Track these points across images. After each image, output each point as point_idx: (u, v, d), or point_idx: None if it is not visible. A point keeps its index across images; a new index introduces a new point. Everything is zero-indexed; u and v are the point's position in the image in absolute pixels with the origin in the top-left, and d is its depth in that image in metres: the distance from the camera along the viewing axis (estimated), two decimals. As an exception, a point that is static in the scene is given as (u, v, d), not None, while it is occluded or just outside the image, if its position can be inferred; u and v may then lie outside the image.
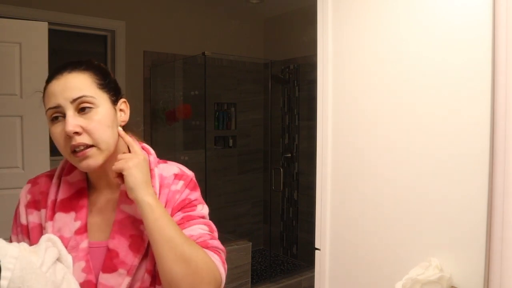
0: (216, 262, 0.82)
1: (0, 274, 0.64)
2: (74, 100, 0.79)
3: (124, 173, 0.79)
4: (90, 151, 0.80)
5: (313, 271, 1.39)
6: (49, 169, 0.96)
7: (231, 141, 3.91)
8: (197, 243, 0.83)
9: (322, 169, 1.35)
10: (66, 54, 3.11)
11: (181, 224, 0.85)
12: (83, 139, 0.79)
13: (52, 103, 0.80)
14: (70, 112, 0.79)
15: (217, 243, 0.87)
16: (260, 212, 4.14)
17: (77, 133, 0.78)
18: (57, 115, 0.80)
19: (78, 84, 0.80)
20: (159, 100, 3.45)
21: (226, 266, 0.86)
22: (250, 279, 2.96)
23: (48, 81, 0.83)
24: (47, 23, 2.43)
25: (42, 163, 2.34)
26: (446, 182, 1.01)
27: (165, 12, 3.44)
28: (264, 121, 4.08)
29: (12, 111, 2.33)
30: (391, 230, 1.14)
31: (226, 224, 3.80)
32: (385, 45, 1.16)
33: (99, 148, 0.81)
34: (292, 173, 3.80)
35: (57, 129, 0.81)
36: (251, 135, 4.04)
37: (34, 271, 0.69)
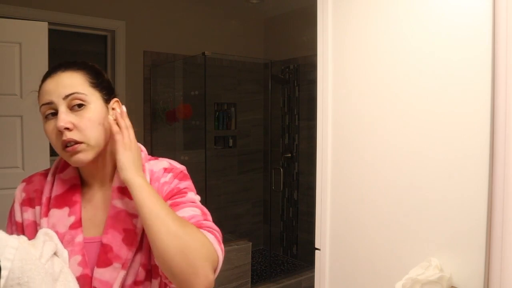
0: (211, 240, 0.80)
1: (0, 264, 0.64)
2: (66, 97, 0.82)
3: (118, 151, 0.83)
4: (80, 146, 0.82)
5: (313, 271, 1.39)
6: (49, 169, 0.97)
7: (231, 141, 3.91)
8: None
9: (322, 169, 1.35)
10: (66, 54, 3.11)
11: (172, 207, 0.85)
12: (73, 135, 0.81)
13: (45, 100, 0.83)
14: (63, 108, 0.82)
15: (210, 223, 0.86)
16: (260, 212, 4.14)
17: (67, 128, 0.81)
18: (50, 111, 0.83)
19: (71, 81, 0.83)
20: (159, 100, 3.45)
21: (222, 246, 0.83)
22: (250, 279, 2.96)
23: (43, 80, 0.85)
24: (47, 23, 2.43)
25: (42, 163, 2.34)
26: (446, 182, 1.01)
27: (165, 12, 3.44)
28: (264, 121, 4.08)
29: (12, 111, 2.33)
30: (391, 230, 1.14)
31: (226, 224, 3.80)
32: (385, 45, 1.16)
33: (88, 145, 0.83)
34: (292, 173, 3.80)
35: (50, 126, 0.83)
36: (251, 135, 4.04)
37: (33, 262, 0.70)
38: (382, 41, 1.16)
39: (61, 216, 0.85)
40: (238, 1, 3.57)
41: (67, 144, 0.81)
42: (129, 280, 0.83)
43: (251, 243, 3.00)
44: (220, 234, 0.85)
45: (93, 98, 0.85)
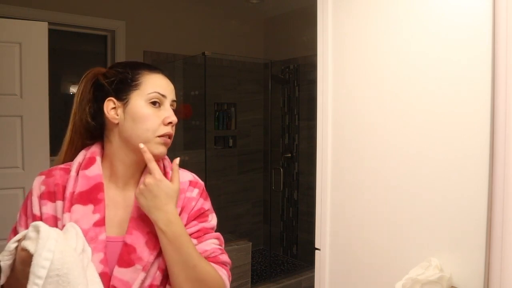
0: (223, 277, 0.89)
1: (42, 255, 0.66)
2: (173, 101, 0.94)
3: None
4: (170, 141, 0.93)
5: (313, 271, 1.39)
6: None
7: (231, 141, 3.91)
8: (209, 258, 0.90)
9: (322, 169, 1.35)
10: (66, 54, 3.11)
11: (199, 237, 0.92)
12: (173, 130, 0.92)
13: (161, 90, 0.91)
14: (171, 107, 0.93)
15: (225, 257, 0.94)
16: (260, 212, 4.14)
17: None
18: (157, 100, 0.90)
19: (173, 89, 0.96)
20: (159, 100, 3.45)
21: (230, 278, 0.93)
22: (250, 279, 2.96)
23: (148, 69, 0.93)
24: (47, 23, 2.43)
25: (42, 163, 2.34)
26: (446, 182, 1.01)
27: (165, 12, 3.44)
28: (264, 121, 4.08)
29: (12, 111, 2.33)
30: (391, 230, 1.14)
31: (226, 224, 3.80)
32: (385, 45, 1.16)
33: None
34: (292, 173, 3.80)
35: (152, 111, 0.90)
36: (251, 135, 4.04)
37: (72, 254, 0.71)
38: (382, 41, 1.16)
39: (85, 213, 0.85)
40: (238, 1, 3.57)
41: (166, 135, 0.90)
42: (147, 283, 0.84)
43: (251, 243, 3.00)
44: (231, 266, 0.95)
45: None
